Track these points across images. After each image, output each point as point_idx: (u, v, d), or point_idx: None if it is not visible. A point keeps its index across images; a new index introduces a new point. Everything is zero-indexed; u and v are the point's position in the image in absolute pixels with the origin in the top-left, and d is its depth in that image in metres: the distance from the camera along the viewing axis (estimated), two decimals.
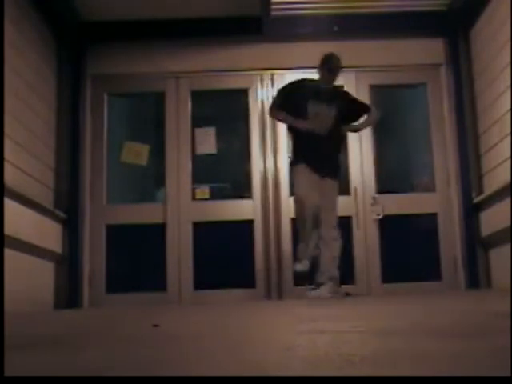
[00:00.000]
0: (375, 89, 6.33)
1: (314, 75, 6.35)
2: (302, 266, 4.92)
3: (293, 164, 5.18)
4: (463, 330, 1.95)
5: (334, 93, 5.16)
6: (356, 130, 5.36)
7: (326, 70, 5.01)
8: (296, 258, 5.05)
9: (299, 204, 4.94)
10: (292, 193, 6.09)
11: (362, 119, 5.28)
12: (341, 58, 5.04)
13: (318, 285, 4.90)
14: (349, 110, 5.14)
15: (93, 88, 6.27)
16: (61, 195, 5.85)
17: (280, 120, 5.37)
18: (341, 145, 5.35)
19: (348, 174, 6.15)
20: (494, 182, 5.55)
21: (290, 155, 5.44)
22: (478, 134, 5.97)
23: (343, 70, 5.13)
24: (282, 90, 5.27)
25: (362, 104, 5.34)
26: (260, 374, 1.24)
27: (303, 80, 5.24)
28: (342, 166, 5.42)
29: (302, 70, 6.33)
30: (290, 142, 5.47)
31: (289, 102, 5.07)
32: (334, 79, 5.07)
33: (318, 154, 4.97)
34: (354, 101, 5.29)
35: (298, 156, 5.09)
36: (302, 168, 4.98)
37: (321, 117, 5.01)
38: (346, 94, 5.37)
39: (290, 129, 5.26)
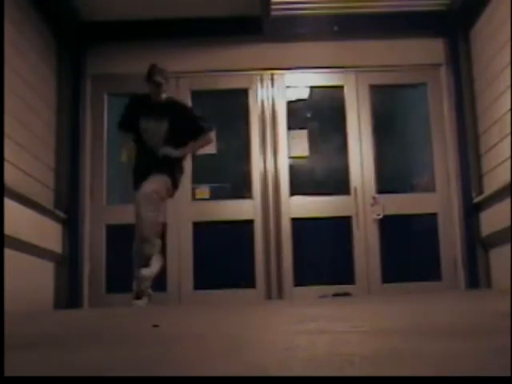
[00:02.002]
0: (375, 89, 6.33)
1: (314, 75, 6.40)
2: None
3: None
4: (463, 329, 1.95)
5: (165, 106, 4.92)
6: (178, 155, 4.89)
7: (149, 83, 4.87)
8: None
9: None
10: (292, 193, 6.11)
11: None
12: (164, 70, 4.86)
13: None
14: (182, 127, 4.89)
15: (93, 88, 6.27)
16: (61, 195, 5.85)
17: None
18: (173, 161, 4.90)
19: (348, 173, 6.16)
20: (494, 181, 5.55)
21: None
22: (478, 134, 5.97)
23: (167, 80, 4.87)
24: (124, 107, 5.11)
25: (197, 124, 4.97)
26: (260, 374, 1.24)
27: (137, 96, 5.09)
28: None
29: (301, 70, 6.36)
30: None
31: (125, 120, 5.00)
32: (159, 92, 4.87)
33: (145, 169, 4.81)
34: (189, 118, 4.98)
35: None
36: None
37: (149, 132, 4.87)
38: (182, 108, 5.08)
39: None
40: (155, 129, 4.87)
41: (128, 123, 4.97)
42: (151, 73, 4.83)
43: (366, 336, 1.86)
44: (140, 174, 4.84)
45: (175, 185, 4.95)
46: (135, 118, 4.92)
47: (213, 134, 5.11)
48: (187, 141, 4.95)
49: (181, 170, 5.04)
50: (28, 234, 4.92)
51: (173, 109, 4.95)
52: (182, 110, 5.04)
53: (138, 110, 4.96)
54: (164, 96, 4.95)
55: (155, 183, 4.75)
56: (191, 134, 4.96)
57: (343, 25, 6.19)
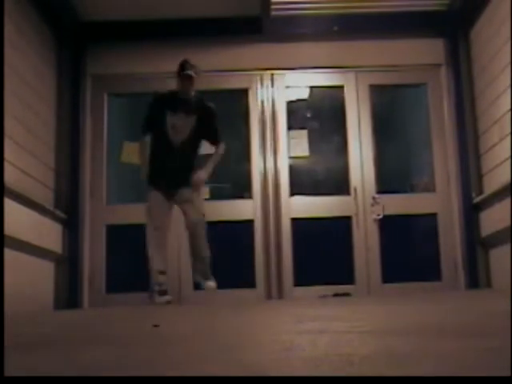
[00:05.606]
0: (375, 89, 6.33)
1: (314, 75, 6.40)
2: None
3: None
4: (463, 329, 1.95)
5: (195, 103, 4.91)
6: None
7: (180, 77, 4.82)
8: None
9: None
10: (292, 193, 6.11)
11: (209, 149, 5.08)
12: (196, 66, 4.82)
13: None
14: (205, 129, 4.93)
15: (93, 88, 6.27)
16: (61, 195, 5.85)
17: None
18: (194, 158, 5.01)
19: (348, 174, 6.16)
20: (493, 182, 5.55)
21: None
22: (478, 134, 5.97)
23: (200, 75, 4.85)
24: (148, 108, 5.08)
25: (216, 133, 5.04)
26: (260, 374, 1.24)
27: (163, 93, 5.07)
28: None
29: (301, 70, 6.35)
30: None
31: (151, 120, 4.98)
32: (189, 87, 4.83)
33: (173, 172, 4.87)
34: (213, 124, 5.01)
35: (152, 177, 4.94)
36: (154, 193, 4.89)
37: (177, 128, 4.86)
38: (211, 112, 5.00)
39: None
40: (183, 124, 4.86)
41: (154, 123, 4.95)
42: (184, 67, 4.80)
43: (366, 336, 1.86)
44: (169, 176, 4.86)
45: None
46: (161, 115, 4.89)
47: (223, 148, 5.13)
48: (203, 141, 5.03)
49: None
50: (28, 234, 4.92)
51: (202, 109, 4.93)
52: (210, 114, 4.99)
53: (165, 106, 4.91)
54: (193, 93, 4.90)
55: (198, 204, 4.92)
56: (209, 138, 5.03)
57: (343, 25, 6.19)
